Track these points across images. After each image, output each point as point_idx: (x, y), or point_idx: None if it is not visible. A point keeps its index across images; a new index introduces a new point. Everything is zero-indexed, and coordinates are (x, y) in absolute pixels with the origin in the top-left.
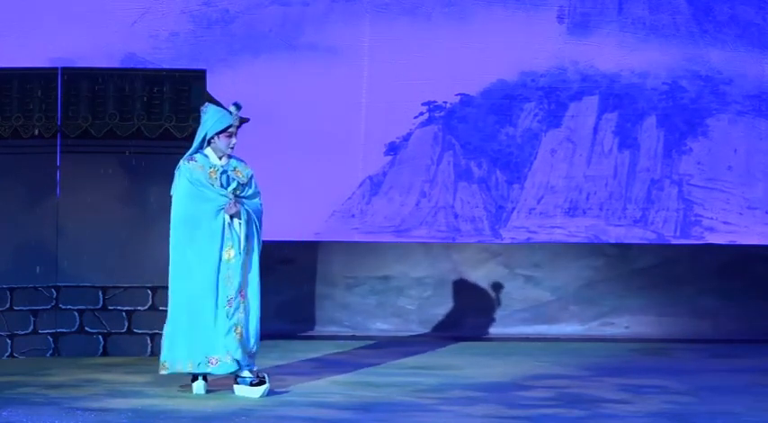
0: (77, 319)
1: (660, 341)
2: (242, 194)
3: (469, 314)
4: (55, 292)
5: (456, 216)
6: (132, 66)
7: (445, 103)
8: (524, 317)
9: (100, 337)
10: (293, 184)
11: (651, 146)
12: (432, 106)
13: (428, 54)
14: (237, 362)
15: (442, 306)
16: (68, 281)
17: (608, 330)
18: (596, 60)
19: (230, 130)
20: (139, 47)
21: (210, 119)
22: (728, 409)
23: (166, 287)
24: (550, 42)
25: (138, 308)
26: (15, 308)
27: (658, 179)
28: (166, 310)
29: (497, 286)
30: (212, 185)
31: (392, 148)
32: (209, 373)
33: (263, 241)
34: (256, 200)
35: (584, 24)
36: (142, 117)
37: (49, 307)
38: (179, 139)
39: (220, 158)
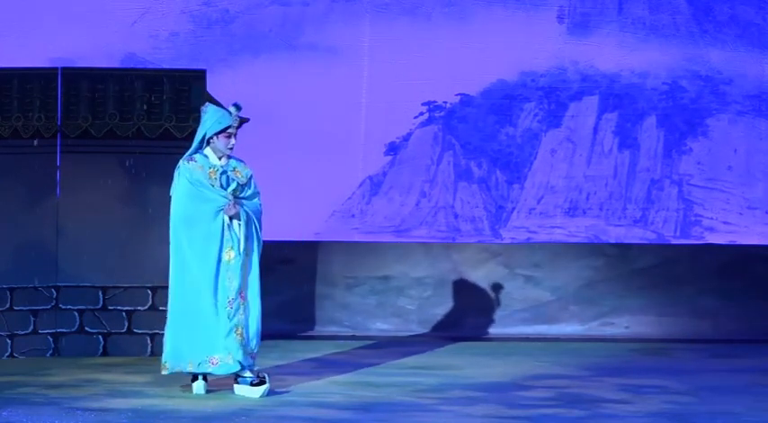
0: (77, 319)
1: (660, 341)
2: (241, 195)
3: (469, 314)
4: (55, 292)
5: (456, 216)
6: (132, 66)
7: (445, 103)
8: (524, 317)
9: (100, 337)
10: (293, 184)
11: (651, 146)
12: (432, 106)
13: (428, 54)
14: (239, 363)
15: (442, 306)
16: (68, 281)
17: (608, 330)
18: (596, 60)
19: (229, 130)
20: (139, 47)
21: (210, 119)
22: (728, 409)
23: (166, 287)
24: (550, 42)
25: (138, 308)
26: (15, 308)
27: (658, 179)
28: (166, 310)
29: (497, 286)
30: (212, 186)
31: (392, 148)
32: (209, 374)
33: (264, 241)
34: (255, 200)
35: (584, 24)
36: (142, 117)
37: (49, 307)
38: (179, 140)
39: (220, 159)
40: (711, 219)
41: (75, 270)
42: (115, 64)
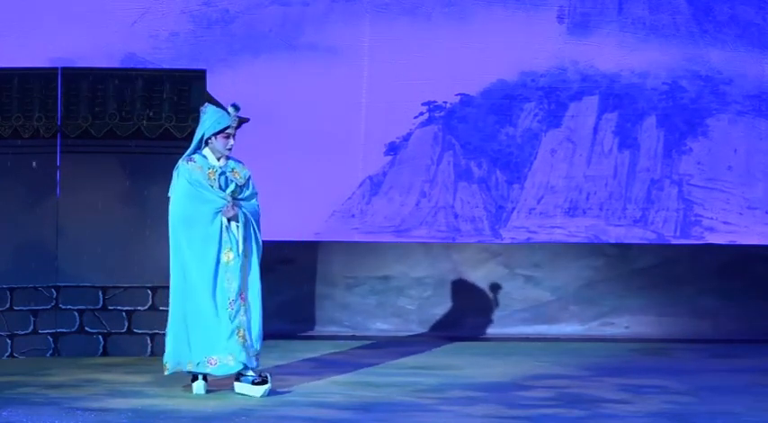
0: (77, 319)
1: (660, 341)
2: (240, 196)
3: (469, 314)
4: (55, 292)
5: (456, 216)
6: (132, 66)
7: (445, 103)
8: (524, 317)
9: (100, 337)
10: (293, 184)
11: (651, 146)
12: (432, 106)
13: (428, 54)
14: (243, 364)
15: (442, 306)
16: (68, 281)
17: (608, 330)
18: (596, 60)
19: (228, 131)
20: (139, 47)
21: (209, 119)
22: (728, 409)
23: (166, 287)
24: (550, 42)
25: (138, 308)
26: (15, 308)
27: (658, 179)
28: (166, 310)
29: (497, 286)
30: (211, 187)
31: (392, 148)
32: (208, 374)
33: (264, 241)
34: (253, 201)
35: (584, 24)
36: (142, 117)
37: (49, 307)
38: (179, 139)
39: (218, 159)
40: (711, 219)
41: (75, 270)
42: (115, 64)
